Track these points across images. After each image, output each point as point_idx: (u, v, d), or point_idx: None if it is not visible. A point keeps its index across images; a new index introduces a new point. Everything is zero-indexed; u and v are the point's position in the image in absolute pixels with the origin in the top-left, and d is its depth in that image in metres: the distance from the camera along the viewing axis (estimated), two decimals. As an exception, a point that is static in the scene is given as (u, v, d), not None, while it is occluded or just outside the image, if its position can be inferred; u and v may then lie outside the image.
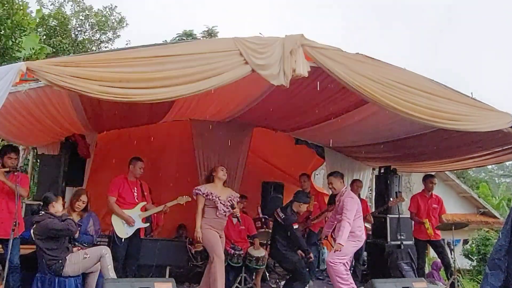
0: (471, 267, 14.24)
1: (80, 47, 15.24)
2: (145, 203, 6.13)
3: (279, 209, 6.07)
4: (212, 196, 5.61)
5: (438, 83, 5.28)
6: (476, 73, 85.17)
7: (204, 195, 5.61)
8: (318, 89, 5.69)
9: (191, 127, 7.56)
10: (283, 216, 5.86)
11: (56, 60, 4.01)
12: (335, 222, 6.07)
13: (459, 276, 6.56)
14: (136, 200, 6.06)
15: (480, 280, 8.91)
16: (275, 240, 5.97)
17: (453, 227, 6.71)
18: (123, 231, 5.84)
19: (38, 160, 7.44)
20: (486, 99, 5.38)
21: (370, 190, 9.32)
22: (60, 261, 4.67)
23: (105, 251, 4.89)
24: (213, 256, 5.43)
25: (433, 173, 7.75)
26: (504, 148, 6.30)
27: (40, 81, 3.93)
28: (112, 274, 4.81)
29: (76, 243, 5.25)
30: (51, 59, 4.09)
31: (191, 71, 4.28)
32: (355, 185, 7.60)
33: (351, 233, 5.70)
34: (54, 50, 12.95)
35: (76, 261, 4.74)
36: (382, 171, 8.48)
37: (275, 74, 4.55)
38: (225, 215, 5.75)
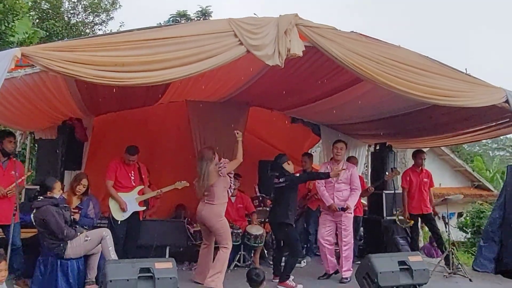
0: (465, 239, 14.46)
1: (74, 30, 15.10)
2: (142, 186, 6.15)
3: (276, 178, 5.98)
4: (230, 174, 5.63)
5: (432, 59, 5.31)
6: (470, 46, 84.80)
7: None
8: (313, 68, 5.72)
9: (187, 108, 7.57)
10: (284, 179, 5.81)
11: (50, 45, 4.01)
12: (334, 191, 6.16)
13: (453, 249, 6.69)
14: (133, 184, 6.09)
15: (474, 252, 9.09)
16: (277, 205, 5.92)
17: (446, 202, 6.82)
18: (119, 214, 5.91)
19: (36, 145, 7.46)
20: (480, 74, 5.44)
21: (366, 166, 9.40)
22: (62, 245, 4.72)
23: (106, 233, 4.96)
24: (227, 242, 5.47)
25: (423, 149, 7.81)
26: (498, 122, 6.37)
27: (36, 67, 3.93)
28: (113, 255, 4.89)
29: (77, 226, 5.30)
30: (46, 45, 4.09)
31: (186, 53, 4.29)
32: (351, 161, 7.65)
33: None
34: (47, 33, 12.83)
35: (77, 243, 4.80)
36: (377, 147, 8.55)
37: (270, 54, 4.57)
38: None
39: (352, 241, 6.22)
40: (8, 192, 5.01)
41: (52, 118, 6.48)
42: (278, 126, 8.91)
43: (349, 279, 5.94)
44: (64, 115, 6.52)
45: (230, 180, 5.69)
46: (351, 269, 6.04)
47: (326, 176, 5.97)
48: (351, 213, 6.21)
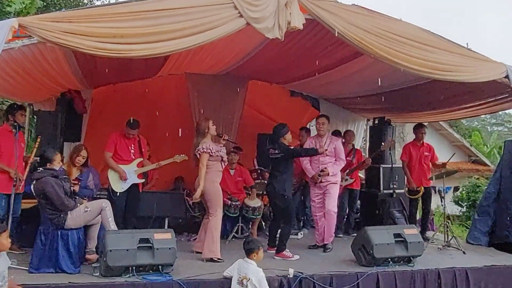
0: (460, 213, 14.67)
1: (71, 1, 14.80)
2: (142, 159, 6.17)
3: (270, 149, 6.01)
4: (218, 153, 5.58)
5: (434, 33, 5.28)
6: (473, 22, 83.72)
7: (212, 153, 5.50)
8: (313, 41, 5.67)
9: (186, 81, 7.54)
10: (279, 150, 5.85)
11: (48, 16, 3.97)
12: (319, 164, 6.26)
13: (448, 222, 6.79)
14: (133, 157, 6.10)
15: (468, 225, 9.23)
16: (274, 176, 5.95)
17: (444, 176, 6.88)
18: (118, 185, 5.95)
19: (35, 117, 7.45)
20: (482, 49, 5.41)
21: (364, 140, 9.43)
22: (62, 215, 4.76)
23: (105, 204, 5.01)
24: (216, 209, 5.47)
25: (424, 123, 7.82)
26: (497, 98, 6.37)
27: (33, 38, 3.90)
28: (113, 226, 4.96)
29: (77, 197, 5.35)
30: (44, 15, 4.04)
31: (186, 25, 4.25)
32: (348, 135, 7.70)
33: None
34: (44, 4, 12.59)
35: (77, 214, 4.84)
36: (376, 122, 8.56)
37: (270, 27, 4.54)
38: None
39: (336, 210, 6.24)
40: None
41: (51, 90, 6.45)
42: (277, 100, 8.89)
43: (331, 248, 6.08)
44: (63, 87, 6.48)
45: (222, 156, 5.67)
46: (333, 235, 6.23)
47: (315, 152, 6.05)
48: (336, 182, 6.28)
